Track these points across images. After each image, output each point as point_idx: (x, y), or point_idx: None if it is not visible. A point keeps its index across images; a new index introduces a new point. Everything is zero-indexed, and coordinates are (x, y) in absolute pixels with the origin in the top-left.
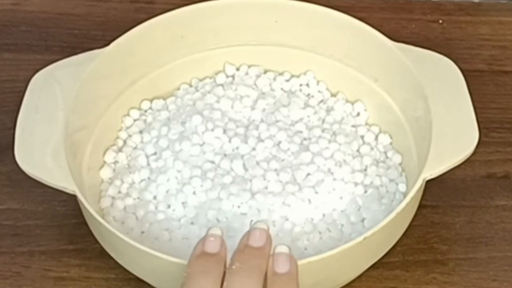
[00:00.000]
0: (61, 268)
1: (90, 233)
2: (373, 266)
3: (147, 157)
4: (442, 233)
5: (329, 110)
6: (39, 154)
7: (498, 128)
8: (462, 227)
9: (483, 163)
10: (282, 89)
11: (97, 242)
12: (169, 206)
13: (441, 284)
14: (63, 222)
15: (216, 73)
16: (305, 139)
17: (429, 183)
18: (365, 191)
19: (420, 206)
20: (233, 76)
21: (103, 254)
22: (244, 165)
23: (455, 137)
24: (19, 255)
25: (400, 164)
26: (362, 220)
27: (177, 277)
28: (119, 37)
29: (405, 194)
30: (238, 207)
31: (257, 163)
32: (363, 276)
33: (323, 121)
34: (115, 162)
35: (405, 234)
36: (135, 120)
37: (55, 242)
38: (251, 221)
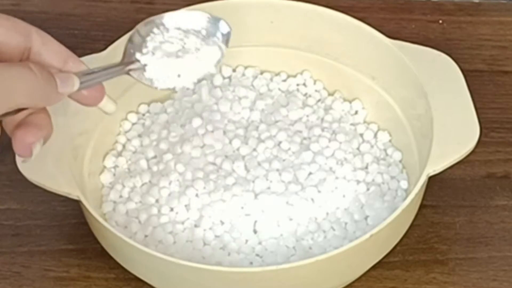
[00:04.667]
0: (61, 268)
1: (90, 233)
2: (373, 266)
3: (148, 160)
4: (442, 233)
5: (327, 109)
6: (42, 160)
7: (498, 128)
8: (462, 227)
9: (483, 163)
10: (279, 89)
11: (97, 242)
12: (172, 209)
13: (441, 284)
14: (63, 222)
15: (212, 75)
16: (305, 138)
17: (429, 182)
18: (368, 189)
19: (420, 206)
20: (229, 78)
21: (103, 254)
22: (245, 166)
23: (456, 132)
24: (19, 255)
25: (400, 161)
26: (366, 218)
27: (187, 279)
28: (116, 41)
29: (407, 191)
30: (242, 208)
31: (259, 163)
32: (363, 276)
33: (322, 120)
34: (115, 167)
35: (405, 234)
36: (133, 124)
37: (55, 242)
38: (255, 221)
